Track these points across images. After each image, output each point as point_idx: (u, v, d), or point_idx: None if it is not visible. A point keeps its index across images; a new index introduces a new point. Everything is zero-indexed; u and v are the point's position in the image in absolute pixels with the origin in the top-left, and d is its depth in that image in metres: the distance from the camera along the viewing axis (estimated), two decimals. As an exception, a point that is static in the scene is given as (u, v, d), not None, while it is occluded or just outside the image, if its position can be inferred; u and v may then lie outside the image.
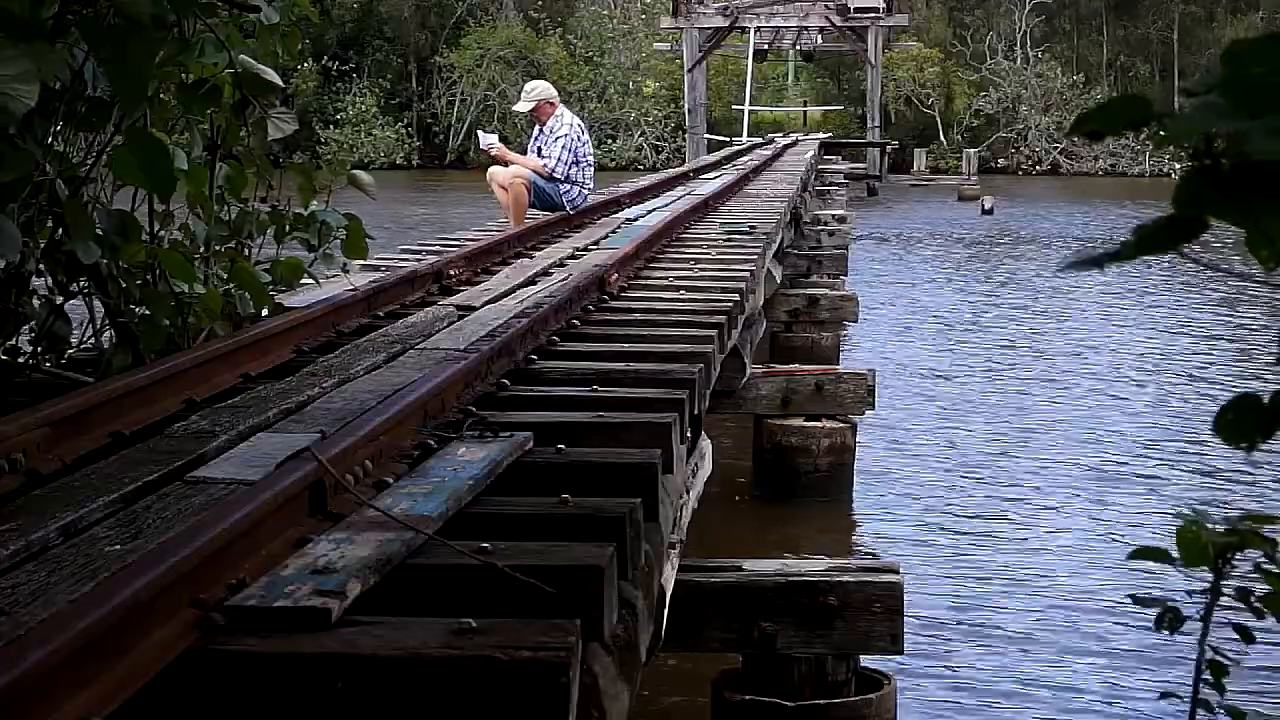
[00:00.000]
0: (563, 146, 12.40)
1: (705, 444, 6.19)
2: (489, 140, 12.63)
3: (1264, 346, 17.90)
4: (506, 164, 12.38)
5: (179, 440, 4.05)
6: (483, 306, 7.07)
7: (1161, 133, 1.18)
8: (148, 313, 5.68)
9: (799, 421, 10.20)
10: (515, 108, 13.40)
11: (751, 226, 12.05)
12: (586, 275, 7.72)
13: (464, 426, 4.18)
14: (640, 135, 65.46)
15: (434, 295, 7.61)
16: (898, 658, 6.04)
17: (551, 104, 12.71)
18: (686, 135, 49.37)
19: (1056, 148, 65.08)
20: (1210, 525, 2.37)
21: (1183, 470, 11.50)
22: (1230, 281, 22.47)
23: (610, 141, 63.76)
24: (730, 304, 7.30)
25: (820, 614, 5.57)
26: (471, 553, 2.97)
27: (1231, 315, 20.74)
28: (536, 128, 12.79)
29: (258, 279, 6.32)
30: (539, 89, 12.80)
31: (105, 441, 4.08)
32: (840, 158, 41.85)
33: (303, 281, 7.00)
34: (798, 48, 57.53)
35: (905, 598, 5.69)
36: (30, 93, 4.49)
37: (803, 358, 12.96)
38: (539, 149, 12.56)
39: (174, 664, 2.45)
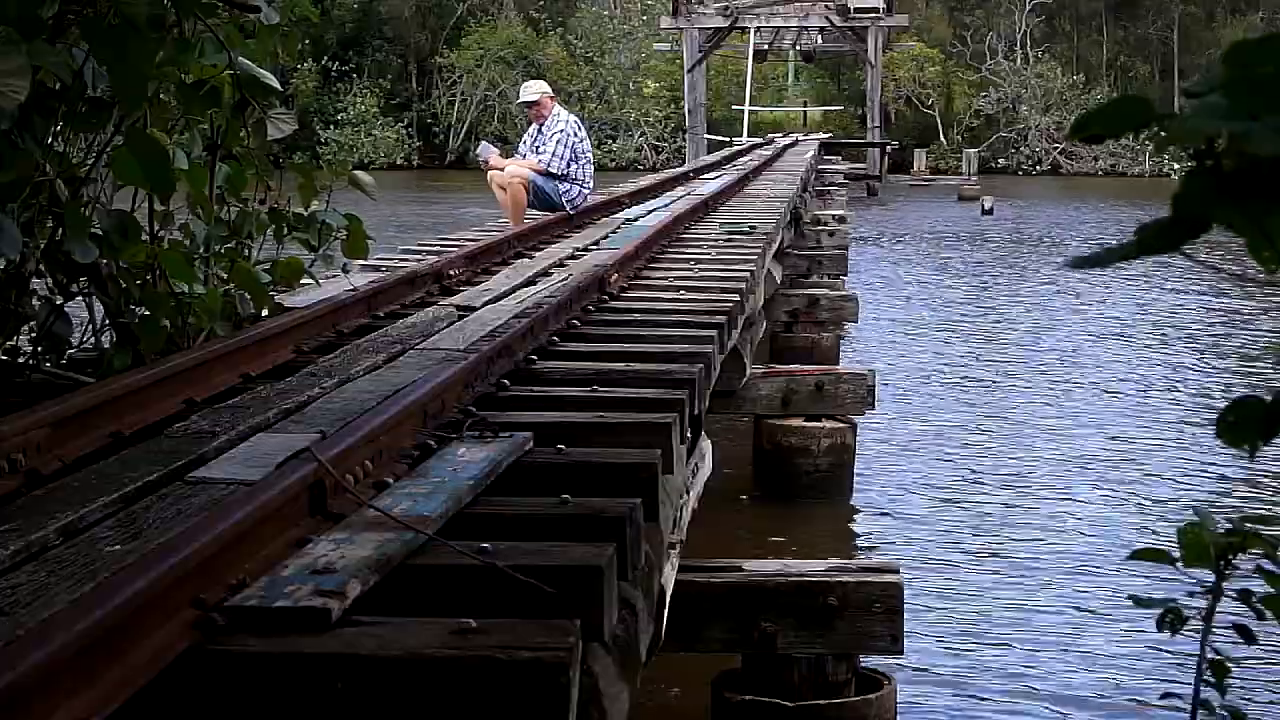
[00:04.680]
0: (558, 142, 12.45)
1: (705, 444, 6.18)
2: (485, 151, 12.87)
3: (1265, 347, 17.90)
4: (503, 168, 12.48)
5: (179, 440, 4.05)
6: (483, 307, 7.07)
7: (1162, 135, 1.18)
8: (148, 313, 5.68)
9: (799, 421, 10.19)
10: (517, 102, 13.67)
11: (751, 227, 12.05)
12: (586, 275, 7.72)
13: (464, 427, 4.18)
14: (640, 135, 65.47)
15: (434, 295, 7.62)
16: (898, 658, 6.03)
17: (550, 100, 12.82)
18: (686, 135, 49.37)
19: (1056, 148, 65.11)
20: (1212, 526, 2.37)
21: (1184, 471, 11.50)
22: (1231, 282, 22.47)
23: (610, 141, 63.77)
24: (730, 304, 7.30)
25: (820, 614, 5.57)
26: (471, 553, 2.97)
27: (1232, 315, 20.74)
28: (534, 126, 12.86)
29: (258, 279, 6.32)
30: (538, 85, 12.98)
31: (105, 441, 4.08)
32: (840, 158, 41.85)
33: (303, 281, 7.00)
34: (798, 48, 57.51)
35: (905, 598, 5.69)
36: (22, 87, 4.49)
37: (803, 358, 12.95)
38: (536, 147, 12.60)
39: (174, 664, 2.45)
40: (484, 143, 13.72)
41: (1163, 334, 18.90)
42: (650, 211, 13.34)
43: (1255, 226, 1.18)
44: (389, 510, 3.25)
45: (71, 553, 2.98)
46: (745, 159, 27.10)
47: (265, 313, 6.24)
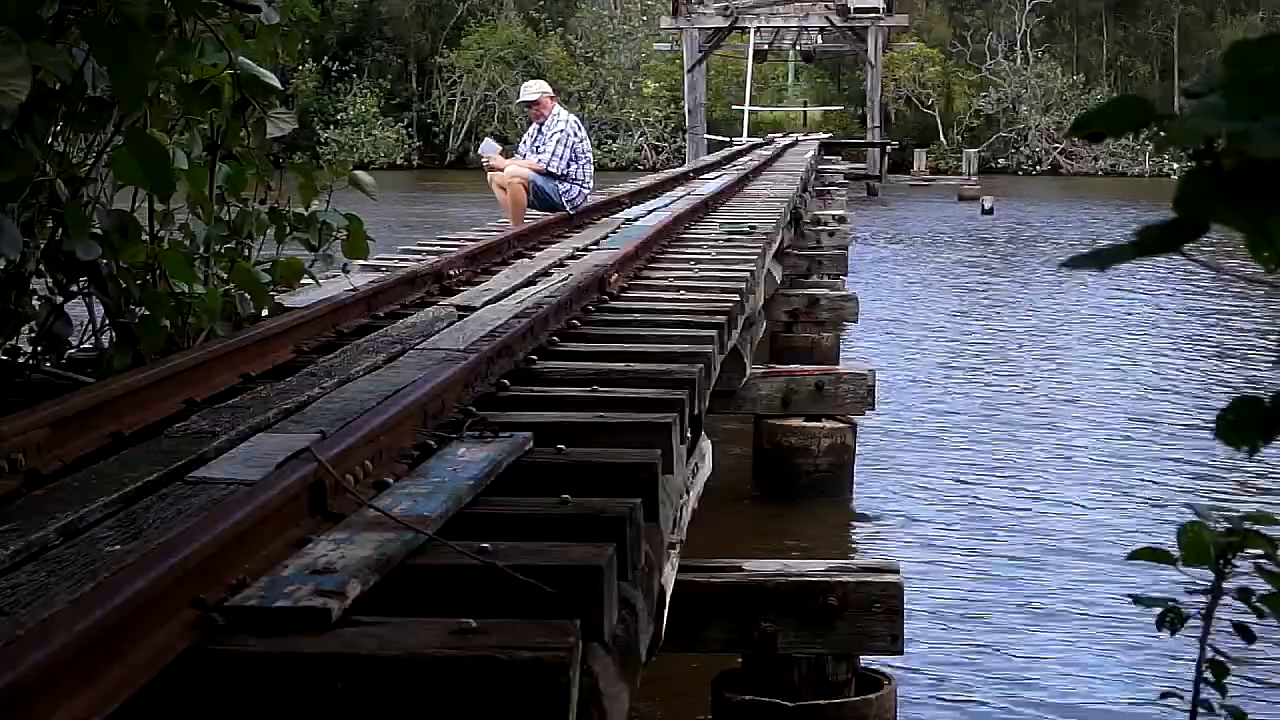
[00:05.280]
0: (558, 142, 12.46)
1: (705, 444, 6.18)
2: (487, 150, 12.91)
3: (1265, 347, 17.89)
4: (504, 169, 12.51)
5: (179, 440, 4.05)
6: (483, 306, 7.07)
7: (1162, 134, 1.18)
8: (148, 313, 5.67)
9: (799, 421, 10.20)
10: (517, 101, 13.70)
11: (751, 227, 12.05)
12: (586, 275, 7.73)
13: (464, 427, 4.18)
14: (640, 135, 65.48)
15: (434, 295, 7.61)
16: (898, 658, 6.03)
17: (550, 100, 12.83)
18: (686, 135, 49.37)
19: (1056, 148, 65.13)
20: (1211, 525, 2.37)
21: (1184, 470, 11.50)
22: (1231, 282, 22.46)
23: (610, 142, 63.78)
24: (730, 304, 7.30)
25: (820, 614, 5.57)
26: (471, 553, 2.97)
27: (1232, 315, 20.74)
28: (534, 126, 12.86)
29: (258, 279, 6.31)
30: (538, 85, 13.01)
31: (105, 441, 4.08)
32: (840, 158, 41.85)
33: (303, 281, 7.00)
34: (798, 48, 57.50)
35: (905, 598, 5.69)
36: (23, 87, 4.49)
37: (803, 358, 12.95)
38: (536, 147, 12.61)
39: (174, 664, 2.44)
40: (487, 140, 13.73)
41: (1162, 333, 18.90)
42: (650, 211, 13.34)
43: (1255, 226, 1.18)
44: (389, 510, 3.25)
45: (71, 553, 2.98)
46: (745, 159, 27.10)
47: (265, 313, 6.24)
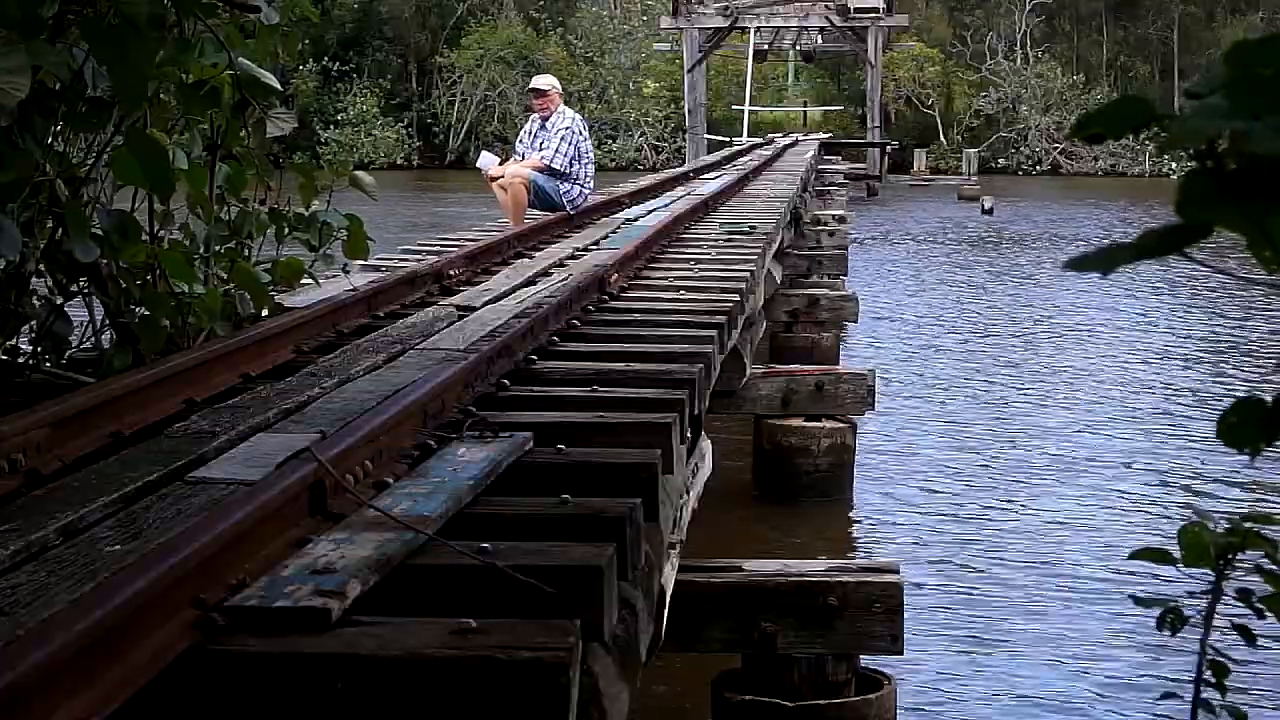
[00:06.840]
0: (562, 139, 12.47)
1: (705, 444, 6.18)
2: (485, 164, 12.94)
3: (1267, 349, 17.90)
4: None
5: (179, 440, 4.05)
6: (483, 306, 7.07)
7: (1163, 135, 1.17)
8: (148, 313, 5.67)
9: (799, 421, 10.19)
10: (528, 88, 13.72)
11: (751, 227, 12.05)
12: (586, 275, 7.73)
13: (464, 427, 4.18)
14: (640, 135, 65.47)
15: (434, 295, 7.61)
16: (898, 658, 6.03)
17: (559, 96, 12.86)
18: (686, 135, 49.35)
19: (1056, 148, 65.11)
20: (1212, 525, 2.37)
21: (1184, 471, 11.49)
22: (1233, 283, 22.46)
23: (610, 141, 63.75)
24: (730, 304, 7.30)
25: (820, 614, 5.57)
26: (471, 553, 2.97)
27: (1234, 316, 20.73)
28: (535, 121, 12.85)
29: (258, 279, 6.31)
30: (551, 78, 13.07)
31: (105, 441, 4.08)
32: (840, 158, 41.84)
33: (303, 281, 7.00)
34: (798, 48, 57.49)
35: (905, 598, 5.69)
36: (23, 85, 4.50)
37: (803, 358, 12.95)
38: (540, 144, 12.61)
39: (174, 664, 2.44)
40: (485, 154, 13.70)
41: (1163, 333, 18.90)
42: (650, 211, 13.34)
43: (1255, 226, 1.18)
44: (389, 510, 3.25)
45: (71, 553, 2.98)
46: (745, 159, 27.10)
47: (265, 313, 6.24)
